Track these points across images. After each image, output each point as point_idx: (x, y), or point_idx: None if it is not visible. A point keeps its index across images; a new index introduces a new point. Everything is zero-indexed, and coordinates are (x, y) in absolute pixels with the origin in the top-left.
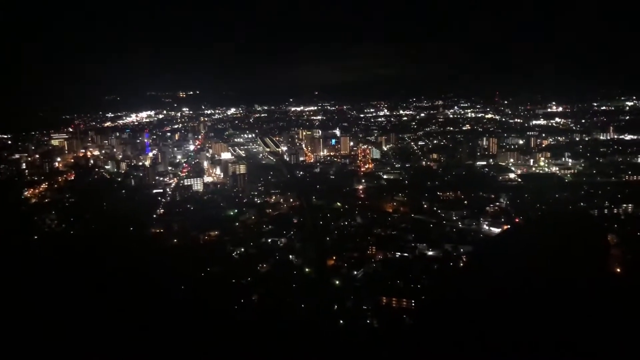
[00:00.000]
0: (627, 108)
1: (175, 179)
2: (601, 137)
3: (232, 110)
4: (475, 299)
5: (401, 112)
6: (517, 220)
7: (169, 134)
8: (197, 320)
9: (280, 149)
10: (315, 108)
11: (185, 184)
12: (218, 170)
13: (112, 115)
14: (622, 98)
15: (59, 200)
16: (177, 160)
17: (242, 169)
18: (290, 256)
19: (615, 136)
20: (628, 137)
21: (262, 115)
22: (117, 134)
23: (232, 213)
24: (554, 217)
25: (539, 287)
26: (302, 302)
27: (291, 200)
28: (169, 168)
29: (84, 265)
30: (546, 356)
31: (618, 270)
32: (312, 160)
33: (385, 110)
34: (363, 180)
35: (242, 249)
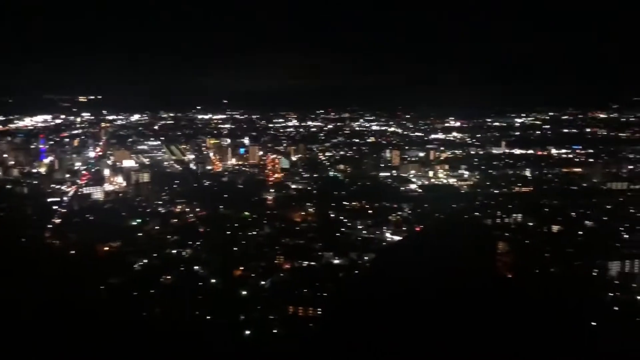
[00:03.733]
0: (517, 124)
1: (73, 187)
2: (494, 151)
3: (137, 116)
4: (377, 304)
5: (309, 123)
6: (417, 228)
7: (67, 140)
8: (93, 334)
9: (186, 157)
10: (224, 116)
11: (85, 192)
12: (120, 179)
13: (3, 118)
14: (512, 115)
15: None
16: (76, 168)
17: (145, 177)
18: (196, 267)
19: (507, 150)
20: (518, 151)
21: (168, 122)
22: (9, 139)
23: (134, 223)
24: (450, 226)
25: (435, 291)
26: (207, 314)
27: (197, 209)
28: (67, 176)
29: None
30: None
31: (509, 275)
32: (220, 169)
33: (294, 121)
34: (272, 190)
35: (145, 260)
